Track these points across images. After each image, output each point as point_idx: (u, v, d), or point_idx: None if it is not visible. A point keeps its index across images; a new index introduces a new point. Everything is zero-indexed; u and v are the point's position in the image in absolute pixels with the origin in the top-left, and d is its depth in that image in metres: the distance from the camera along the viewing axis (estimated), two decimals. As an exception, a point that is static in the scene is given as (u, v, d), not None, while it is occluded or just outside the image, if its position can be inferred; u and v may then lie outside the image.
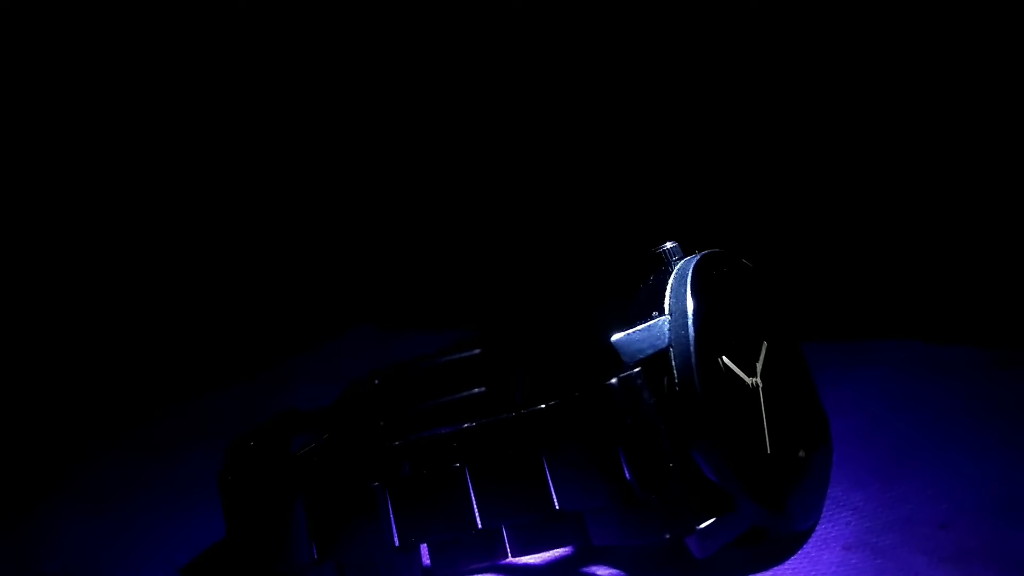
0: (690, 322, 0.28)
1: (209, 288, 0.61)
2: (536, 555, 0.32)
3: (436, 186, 0.62)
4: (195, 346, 0.58)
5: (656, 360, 0.28)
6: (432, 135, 0.61)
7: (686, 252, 0.31)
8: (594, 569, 0.31)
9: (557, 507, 0.29)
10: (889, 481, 0.33)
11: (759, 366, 0.31)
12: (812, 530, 0.31)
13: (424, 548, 0.30)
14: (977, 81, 0.46)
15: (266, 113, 0.63)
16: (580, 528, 0.29)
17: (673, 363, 0.28)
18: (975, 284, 0.47)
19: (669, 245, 0.31)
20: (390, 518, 0.30)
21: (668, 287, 0.30)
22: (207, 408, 0.54)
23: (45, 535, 0.40)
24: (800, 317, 0.36)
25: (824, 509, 0.32)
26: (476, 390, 0.44)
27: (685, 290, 0.29)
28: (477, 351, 0.44)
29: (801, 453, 0.31)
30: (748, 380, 0.30)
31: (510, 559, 0.30)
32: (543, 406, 0.29)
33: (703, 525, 0.28)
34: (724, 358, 0.29)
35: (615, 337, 0.29)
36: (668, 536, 0.28)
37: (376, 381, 0.43)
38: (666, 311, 0.29)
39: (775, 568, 0.29)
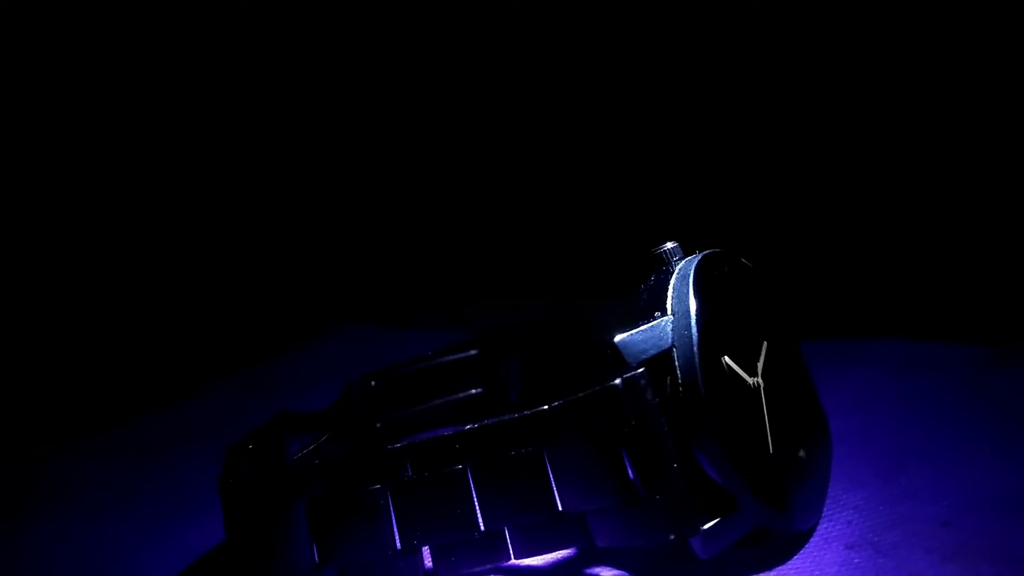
0: (693, 322, 0.28)
1: (203, 288, 0.60)
2: (539, 557, 0.31)
3: (435, 186, 0.62)
4: (189, 347, 0.58)
5: (659, 360, 0.28)
6: (431, 134, 0.61)
7: (686, 252, 0.31)
8: (597, 570, 0.31)
9: (560, 508, 0.29)
10: (889, 479, 0.33)
11: (760, 366, 0.31)
12: (814, 530, 0.31)
13: (426, 551, 0.30)
14: (970, 81, 0.46)
15: (259, 110, 0.63)
16: (583, 529, 0.29)
17: (676, 363, 0.28)
18: (967, 281, 0.47)
19: (669, 245, 0.31)
20: (392, 521, 0.29)
21: (670, 287, 0.30)
22: (202, 410, 0.53)
23: (39, 541, 0.39)
24: (797, 316, 0.36)
25: (825, 508, 0.32)
26: (473, 391, 0.44)
27: (687, 290, 0.29)
28: (474, 352, 0.44)
29: (802, 452, 0.31)
30: (749, 380, 0.30)
31: (513, 561, 0.30)
32: (546, 407, 0.29)
33: (707, 525, 0.28)
34: (726, 358, 0.29)
35: (618, 338, 0.29)
36: (672, 537, 0.28)
37: (372, 383, 0.43)
38: (669, 311, 0.29)
39: (778, 568, 0.29)
